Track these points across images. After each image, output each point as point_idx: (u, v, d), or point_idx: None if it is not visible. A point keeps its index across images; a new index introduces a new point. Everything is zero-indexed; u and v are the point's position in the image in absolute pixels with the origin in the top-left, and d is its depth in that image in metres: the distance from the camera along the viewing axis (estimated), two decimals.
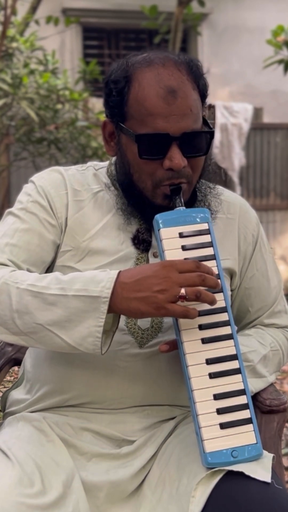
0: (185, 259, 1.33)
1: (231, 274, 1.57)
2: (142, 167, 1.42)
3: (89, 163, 1.62)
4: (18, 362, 1.78)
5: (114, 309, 1.29)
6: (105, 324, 1.29)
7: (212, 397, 1.29)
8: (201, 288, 1.26)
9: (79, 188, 1.53)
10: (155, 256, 1.50)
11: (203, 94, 1.46)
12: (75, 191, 1.53)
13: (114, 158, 1.56)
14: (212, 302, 1.28)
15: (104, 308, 1.28)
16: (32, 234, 1.47)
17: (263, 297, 1.62)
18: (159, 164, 1.41)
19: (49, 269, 1.51)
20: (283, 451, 2.52)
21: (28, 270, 1.45)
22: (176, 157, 1.39)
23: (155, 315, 1.28)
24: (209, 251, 1.35)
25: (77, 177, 1.55)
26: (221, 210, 1.56)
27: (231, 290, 1.58)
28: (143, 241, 1.50)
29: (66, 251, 1.49)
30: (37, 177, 1.55)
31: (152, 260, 1.50)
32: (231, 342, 1.33)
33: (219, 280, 1.30)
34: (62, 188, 1.52)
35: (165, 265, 1.28)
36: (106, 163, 1.60)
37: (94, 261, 1.48)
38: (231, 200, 1.61)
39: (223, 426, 1.29)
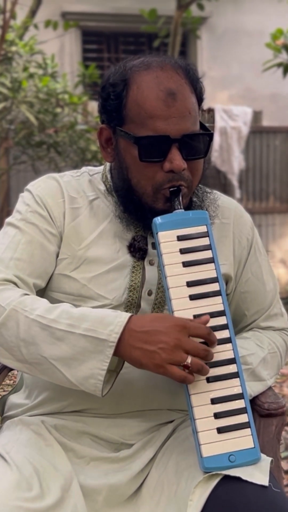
0: (183, 262, 1.33)
1: (227, 279, 1.57)
2: (141, 171, 1.42)
3: (83, 169, 1.61)
4: None
5: (117, 352, 1.29)
6: (110, 364, 1.29)
7: (210, 402, 1.29)
8: (204, 363, 1.27)
9: (75, 195, 1.53)
10: (151, 264, 1.50)
11: (199, 98, 1.46)
12: (71, 198, 1.52)
13: (109, 164, 1.55)
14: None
15: (110, 352, 1.27)
16: (34, 245, 1.46)
17: (259, 301, 1.62)
18: (159, 167, 1.40)
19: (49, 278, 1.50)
20: (282, 454, 2.51)
21: (34, 284, 1.45)
22: (176, 159, 1.39)
23: (153, 371, 1.27)
24: (207, 254, 1.35)
25: (73, 183, 1.55)
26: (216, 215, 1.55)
27: (227, 295, 1.57)
28: (139, 249, 1.49)
29: (63, 259, 1.49)
30: (33, 186, 1.54)
31: (148, 268, 1.49)
32: (229, 346, 1.33)
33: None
34: (59, 196, 1.52)
35: (178, 324, 1.27)
36: (101, 168, 1.59)
37: (90, 270, 1.47)
38: (225, 205, 1.60)
39: (220, 430, 1.28)
